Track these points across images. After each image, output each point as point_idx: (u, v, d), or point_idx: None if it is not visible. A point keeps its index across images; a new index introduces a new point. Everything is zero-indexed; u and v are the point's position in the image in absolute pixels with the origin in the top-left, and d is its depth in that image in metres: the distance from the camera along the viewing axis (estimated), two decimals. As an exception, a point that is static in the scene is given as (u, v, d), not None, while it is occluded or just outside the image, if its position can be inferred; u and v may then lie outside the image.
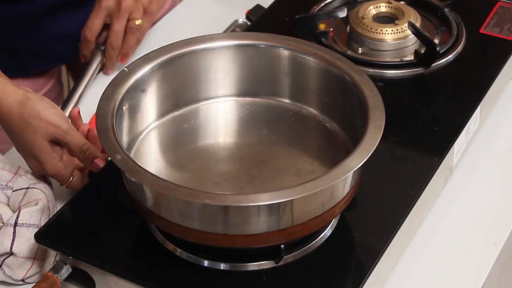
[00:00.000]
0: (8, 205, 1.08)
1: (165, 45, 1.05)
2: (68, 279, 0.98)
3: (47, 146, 1.05)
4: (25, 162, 1.10)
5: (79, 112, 1.13)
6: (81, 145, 1.06)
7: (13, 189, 1.07)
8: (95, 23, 1.32)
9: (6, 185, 1.08)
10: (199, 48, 1.05)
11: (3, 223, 1.04)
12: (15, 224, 1.01)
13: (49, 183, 1.10)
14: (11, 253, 1.01)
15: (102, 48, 1.35)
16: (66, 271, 0.97)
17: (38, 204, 1.03)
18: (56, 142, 1.06)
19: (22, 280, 1.03)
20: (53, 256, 0.99)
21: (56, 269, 0.97)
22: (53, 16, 1.34)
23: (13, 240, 1.01)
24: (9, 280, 1.03)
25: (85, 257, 0.97)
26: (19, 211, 1.02)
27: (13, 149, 1.19)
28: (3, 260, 1.02)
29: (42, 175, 1.09)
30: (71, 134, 1.06)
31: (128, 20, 1.33)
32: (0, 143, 1.22)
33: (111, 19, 1.33)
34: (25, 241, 1.01)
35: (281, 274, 0.95)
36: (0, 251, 1.01)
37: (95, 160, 1.07)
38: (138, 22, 1.32)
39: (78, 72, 1.41)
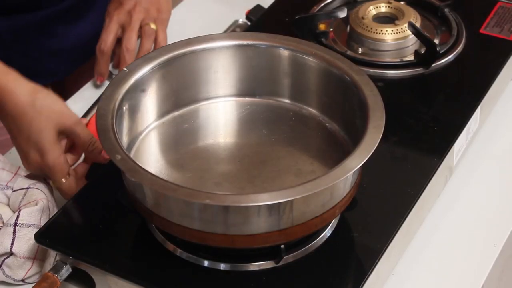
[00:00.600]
0: (8, 205, 1.08)
1: (165, 45, 1.05)
2: (68, 279, 0.98)
3: (54, 136, 1.05)
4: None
5: (86, 124, 1.13)
6: (90, 137, 1.07)
7: (13, 189, 1.07)
8: (109, 37, 1.31)
9: (6, 185, 1.08)
10: (199, 48, 1.05)
11: (3, 223, 1.04)
12: (15, 224, 1.01)
13: (48, 183, 1.10)
14: (11, 253, 1.01)
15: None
16: (66, 271, 0.97)
17: (38, 204, 1.03)
18: (65, 135, 1.07)
19: (22, 280, 1.03)
20: (53, 256, 0.99)
21: (56, 269, 0.97)
22: (48, 31, 1.33)
23: (13, 240, 1.01)
24: (9, 280, 1.03)
25: (85, 257, 0.97)
26: (19, 211, 1.02)
27: (13, 149, 1.19)
28: (3, 260, 1.02)
29: (38, 170, 1.08)
30: (82, 125, 1.07)
31: (141, 27, 1.33)
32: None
33: (123, 29, 1.33)
34: (25, 241, 1.01)
35: (281, 274, 0.95)
36: (0, 251, 1.01)
37: (103, 151, 1.08)
38: (152, 26, 1.32)
39: (66, 89, 1.41)
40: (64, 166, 1.07)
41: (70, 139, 1.08)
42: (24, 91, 1.05)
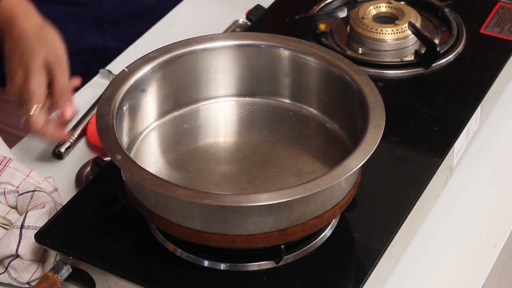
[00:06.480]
0: (16, 208, 1.08)
1: (165, 45, 1.05)
2: (68, 279, 0.98)
3: (41, 63, 1.10)
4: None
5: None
6: (67, 83, 1.11)
7: (19, 193, 1.07)
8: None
9: (16, 189, 1.08)
10: (199, 48, 1.05)
11: (11, 225, 1.04)
12: (22, 227, 1.01)
13: (55, 189, 1.10)
14: (17, 255, 1.01)
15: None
16: (66, 271, 0.97)
17: (45, 207, 1.03)
18: (47, 69, 1.11)
19: (28, 283, 1.02)
20: (53, 256, 0.99)
21: (56, 269, 0.97)
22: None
23: (19, 242, 1.00)
24: (15, 283, 1.02)
25: (85, 257, 0.97)
26: (26, 214, 1.02)
27: (15, 148, 1.19)
28: (9, 262, 1.01)
29: (18, 94, 1.10)
30: (64, 69, 1.11)
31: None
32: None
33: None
34: (31, 243, 1.01)
35: (281, 274, 0.95)
36: (6, 253, 1.00)
37: (68, 103, 1.11)
38: None
39: None
40: (41, 95, 1.10)
41: (49, 76, 1.11)
42: (32, 24, 1.13)
